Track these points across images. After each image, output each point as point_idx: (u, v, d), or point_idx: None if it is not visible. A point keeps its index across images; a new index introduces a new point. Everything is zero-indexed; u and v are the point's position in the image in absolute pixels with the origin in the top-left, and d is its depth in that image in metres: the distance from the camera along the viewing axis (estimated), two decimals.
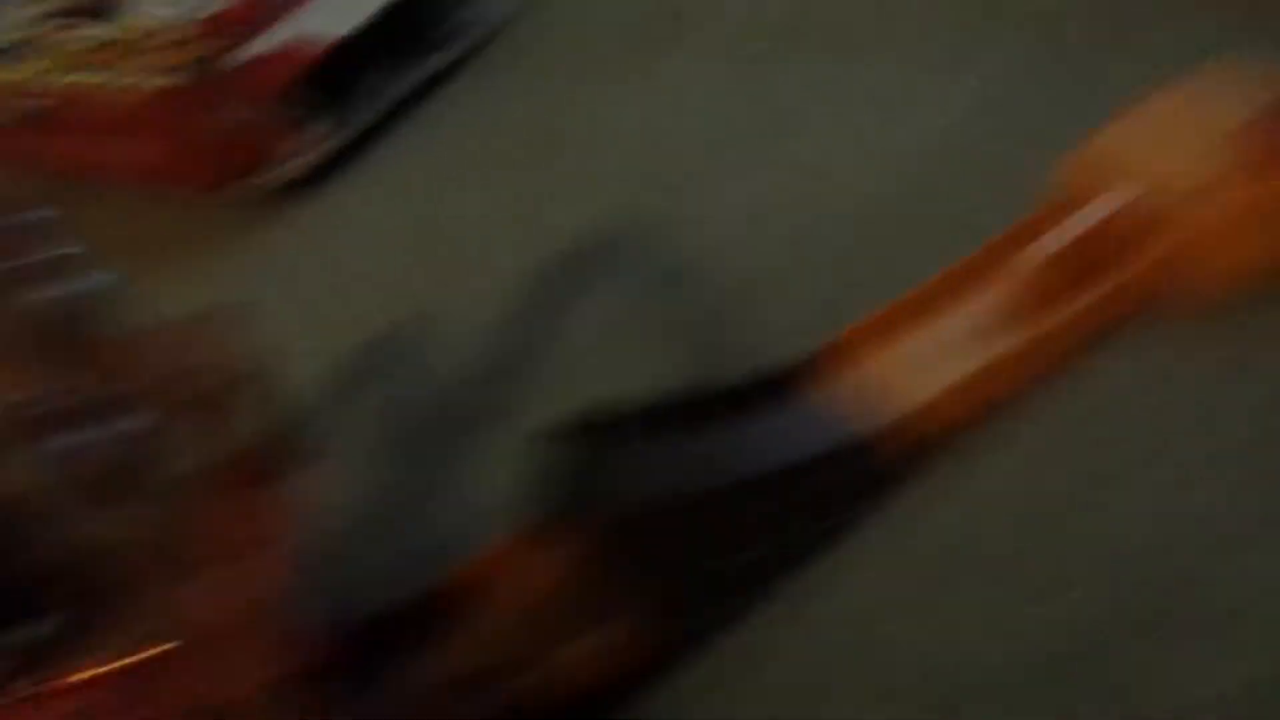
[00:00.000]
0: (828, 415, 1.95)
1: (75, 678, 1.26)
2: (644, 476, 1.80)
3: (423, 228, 3.00)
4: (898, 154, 2.63)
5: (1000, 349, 1.95)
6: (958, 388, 1.90)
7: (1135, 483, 1.79)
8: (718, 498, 1.74)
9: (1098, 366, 1.95)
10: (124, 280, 1.77)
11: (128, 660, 1.28)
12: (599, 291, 2.55)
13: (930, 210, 2.42)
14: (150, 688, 1.28)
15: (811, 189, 2.63)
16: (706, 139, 2.96)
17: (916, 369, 1.98)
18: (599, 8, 3.73)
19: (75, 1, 3.45)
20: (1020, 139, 2.49)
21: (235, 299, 2.75)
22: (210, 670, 1.35)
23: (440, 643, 1.77)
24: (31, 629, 1.26)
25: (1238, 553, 1.65)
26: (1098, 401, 1.91)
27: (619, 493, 1.73)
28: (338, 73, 3.32)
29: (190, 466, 1.62)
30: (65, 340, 1.79)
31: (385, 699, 1.72)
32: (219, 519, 1.52)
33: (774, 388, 2.00)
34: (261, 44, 3.21)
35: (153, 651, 1.24)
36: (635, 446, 1.85)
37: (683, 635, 1.74)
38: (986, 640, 1.67)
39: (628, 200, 2.80)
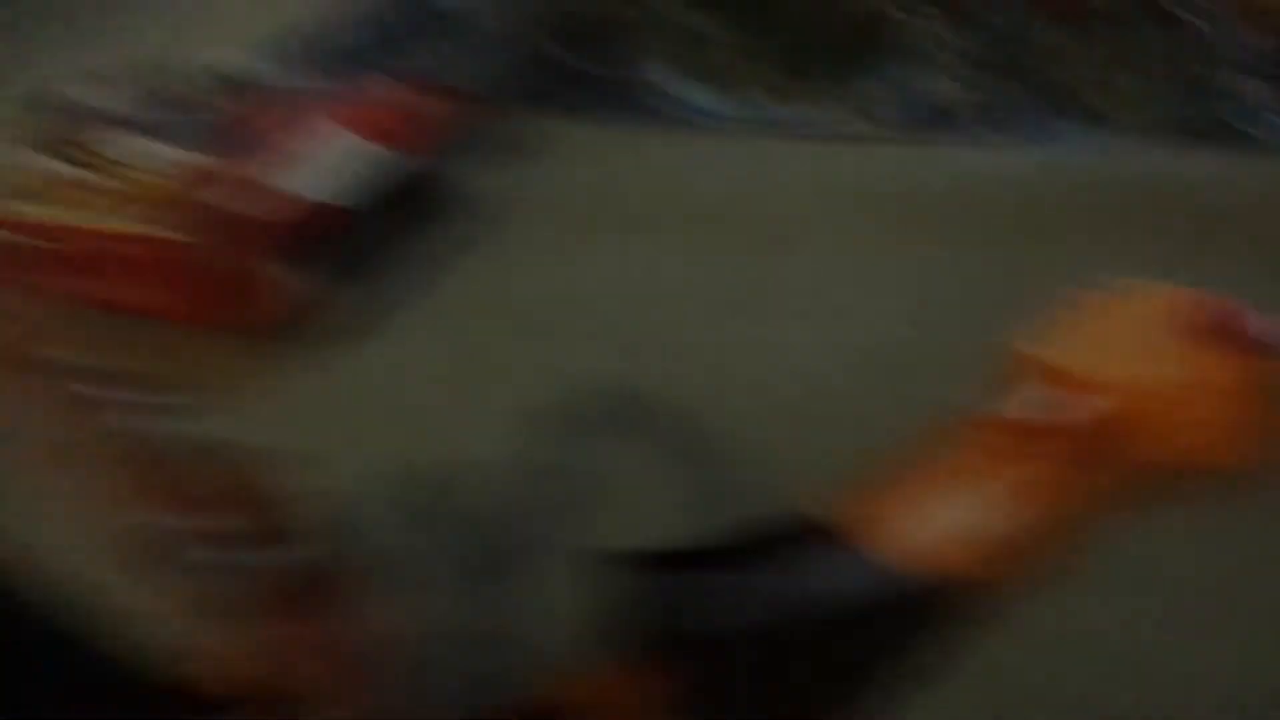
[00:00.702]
0: (872, 562, 2.08)
1: None
2: (724, 609, 1.90)
3: (429, 385, 3.18)
4: (848, 341, 2.94)
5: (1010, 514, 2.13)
6: (986, 543, 2.05)
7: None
8: (804, 633, 1.71)
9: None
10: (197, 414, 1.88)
11: None
12: (609, 443, 2.73)
13: (883, 392, 2.72)
14: None
15: (776, 366, 2.93)
16: (676, 314, 3.27)
17: (943, 526, 2.16)
18: (571, 188, 4.03)
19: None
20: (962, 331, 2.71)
21: (271, 436, 2.85)
22: None
23: None
24: None
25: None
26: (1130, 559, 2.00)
27: (704, 624, 1.68)
28: (339, 234, 3.50)
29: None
30: (167, 469, 1.91)
31: None
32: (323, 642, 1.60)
33: (811, 536, 2.15)
34: (261, 199, 3.36)
35: None
36: (707, 579, 1.94)
37: None
38: None
39: (615, 366, 3.06)
